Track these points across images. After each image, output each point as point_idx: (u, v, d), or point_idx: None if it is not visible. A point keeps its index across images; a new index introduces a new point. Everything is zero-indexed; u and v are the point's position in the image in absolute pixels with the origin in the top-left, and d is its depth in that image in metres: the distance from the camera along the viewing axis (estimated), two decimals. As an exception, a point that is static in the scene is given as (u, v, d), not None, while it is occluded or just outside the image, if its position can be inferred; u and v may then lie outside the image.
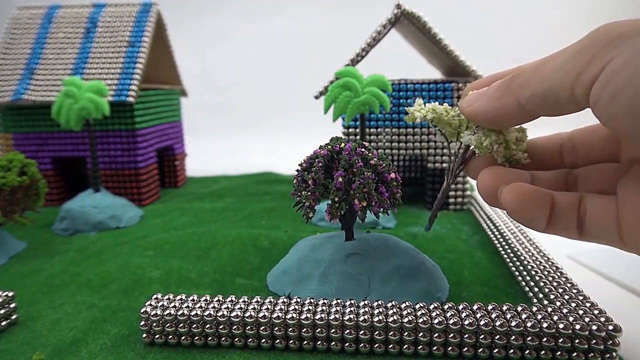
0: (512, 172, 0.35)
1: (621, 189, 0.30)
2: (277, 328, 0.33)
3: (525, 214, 0.32)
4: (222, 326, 0.34)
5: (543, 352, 0.31)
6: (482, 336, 0.32)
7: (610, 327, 0.31)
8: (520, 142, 0.36)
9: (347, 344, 0.33)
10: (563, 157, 0.37)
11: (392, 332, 0.33)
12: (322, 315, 0.33)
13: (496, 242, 0.54)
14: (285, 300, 0.35)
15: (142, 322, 0.35)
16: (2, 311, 0.37)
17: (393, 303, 0.34)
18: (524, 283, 0.42)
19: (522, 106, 0.29)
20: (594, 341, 0.31)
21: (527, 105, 0.29)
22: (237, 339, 0.34)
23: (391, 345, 0.33)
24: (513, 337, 0.32)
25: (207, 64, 1.73)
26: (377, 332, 0.33)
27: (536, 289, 0.39)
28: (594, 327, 0.31)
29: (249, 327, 0.34)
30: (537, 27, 1.57)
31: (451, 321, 0.32)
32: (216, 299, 0.36)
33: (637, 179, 0.28)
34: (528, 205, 0.31)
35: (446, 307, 0.34)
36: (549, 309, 0.33)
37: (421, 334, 0.32)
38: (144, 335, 0.35)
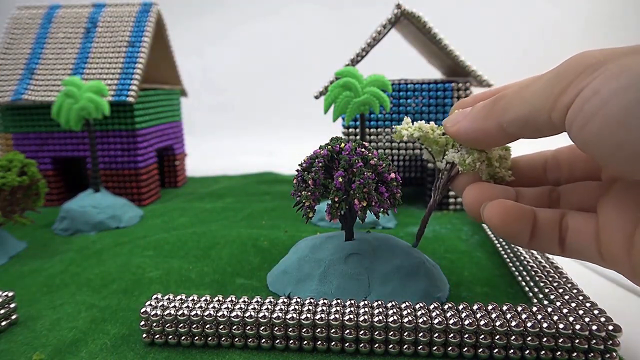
0: (497, 189, 0.36)
1: (601, 206, 0.30)
2: (277, 328, 0.33)
3: (507, 230, 0.33)
4: (222, 326, 0.34)
5: (543, 352, 0.31)
6: (482, 336, 0.32)
7: (610, 327, 0.31)
8: (503, 160, 0.37)
9: (347, 344, 0.33)
10: (547, 174, 0.38)
11: (392, 332, 0.33)
12: (322, 315, 0.33)
13: (496, 242, 0.54)
14: (285, 300, 0.35)
15: (142, 322, 0.35)
16: (2, 311, 0.37)
17: (393, 303, 0.34)
18: (524, 283, 0.42)
19: (503, 129, 0.30)
20: (594, 341, 0.31)
21: (508, 127, 0.29)
22: (237, 339, 0.34)
23: (391, 345, 0.33)
24: (513, 337, 0.32)
25: (207, 64, 1.73)
26: (377, 332, 0.33)
27: (536, 289, 0.39)
28: (594, 327, 0.31)
29: (249, 327, 0.34)
30: (536, 27, 1.57)
31: (451, 321, 0.32)
32: (216, 299, 0.36)
33: (616, 198, 0.29)
34: (510, 222, 0.32)
35: (446, 307, 0.34)
36: (549, 309, 0.33)
37: (421, 334, 0.32)
38: (144, 335, 0.35)
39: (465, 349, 0.32)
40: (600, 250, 0.30)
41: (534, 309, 0.33)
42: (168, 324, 0.34)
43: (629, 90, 0.22)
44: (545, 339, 0.31)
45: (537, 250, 0.37)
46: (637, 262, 0.27)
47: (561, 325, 0.31)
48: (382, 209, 0.37)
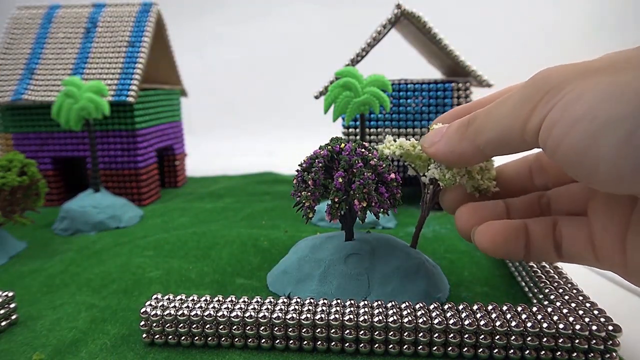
0: (486, 208, 0.36)
1: (591, 210, 0.30)
2: (277, 328, 0.33)
3: (500, 253, 0.33)
4: (222, 326, 0.34)
5: (543, 352, 0.31)
6: (482, 336, 0.32)
7: (610, 327, 0.31)
8: (485, 171, 0.37)
9: (347, 344, 0.33)
10: (534, 179, 0.38)
11: (392, 332, 0.33)
12: (322, 316, 0.33)
13: (496, 242, 0.54)
14: (285, 300, 0.35)
15: (142, 322, 0.35)
16: (2, 311, 0.37)
17: (393, 303, 0.34)
18: (523, 283, 0.42)
19: (480, 150, 0.31)
20: (594, 341, 0.31)
21: (485, 149, 0.30)
22: (237, 339, 0.34)
23: (391, 346, 0.33)
24: (513, 337, 0.32)
25: (207, 64, 1.73)
26: (377, 332, 0.33)
27: (536, 289, 0.39)
28: (594, 327, 0.31)
29: (249, 327, 0.34)
30: (537, 26, 1.57)
31: (451, 321, 0.32)
32: (216, 299, 0.36)
33: (604, 201, 0.29)
34: (500, 245, 0.33)
35: (446, 307, 0.34)
36: (549, 309, 0.33)
37: (421, 334, 0.32)
38: (144, 335, 0.35)
39: (465, 349, 0.32)
40: (597, 255, 0.30)
41: (534, 309, 0.33)
42: (168, 324, 0.34)
43: (584, 121, 0.23)
44: (545, 339, 0.31)
45: (536, 261, 0.37)
46: (631, 265, 0.27)
47: (561, 326, 0.31)
48: (382, 210, 0.37)
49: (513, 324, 0.32)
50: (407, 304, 0.34)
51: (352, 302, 0.35)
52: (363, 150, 0.39)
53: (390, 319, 0.32)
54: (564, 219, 0.33)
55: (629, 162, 0.22)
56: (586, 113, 0.23)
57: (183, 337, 0.34)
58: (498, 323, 0.32)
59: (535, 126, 0.26)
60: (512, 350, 0.32)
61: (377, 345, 0.33)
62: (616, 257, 0.28)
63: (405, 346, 0.33)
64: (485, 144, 0.30)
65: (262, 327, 0.33)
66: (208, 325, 0.34)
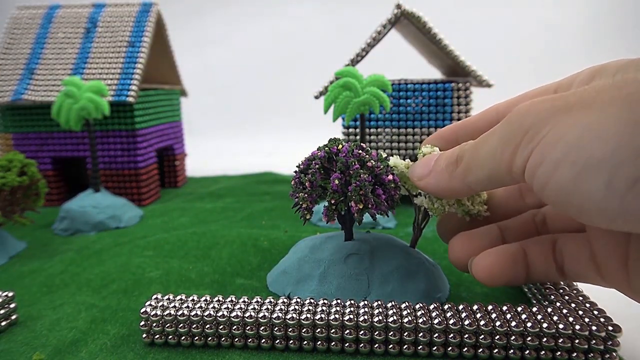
0: (480, 234, 0.36)
1: (589, 230, 0.30)
2: (277, 328, 0.33)
3: (499, 284, 0.33)
4: (222, 326, 0.34)
5: (543, 352, 0.31)
6: (482, 336, 0.32)
7: (610, 327, 0.31)
8: (476, 196, 0.37)
9: (347, 344, 0.33)
10: (524, 198, 0.38)
11: (392, 333, 0.33)
12: (322, 316, 0.33)
13: (496, 242, 0.54)
14: (285, 300, 0.35)
15: (142, 322, 0.35)
16: (2, 311, 0.37)
17: (393, 303, 0.34)
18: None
19: (470, 188, 0.31)
20: (594, 341, 0.31)
21: (475, 187, 0.31)
22: (237, 339, 0.34)
23: (391, 346, 0.33)
24: (513, 337, 0.32)
25: (207, 64, 1.73)
26: (377, 332, 0.33)
27: (535, 290, 0.39)
28: (594, 327, 0.31)
29: (248, 327, 0.34)
30: (536, 26, 1.57)
31: (451, 321, 0.32)
32: (216, 299, 0.36)
33: None
34: (498, 276, 0.33)
35: (446, 307, 0.34)
36: (549, 309, 0.33)
37: (421, 334, 0.32)
38: (144, 335, 0.35)
39: (465, 349, 0.32)
40: (601, 273, 0.30)
41: (534, 309, 0.33)
42: (168, 324, 0.34)
43: (565, 165, 0.23)
44: (545, 339, 0.31)
45: (539, 282, 0.37)
46: (635, 284, 0.27)
47: (561, 326, 0.31)
48: (379, 211, 0.37)
49: (513, 324, 0.32)
50: (407, 304, 0.34)
51: (352, 302, 0.35)
52: (360, 151, 0.38)
53: (390, 319, 0.32)
54: (564, 237, 0.32)
55: (614, 204, 0.22)
56: (565, 156, 0.23)
57: (183, 337, 0.34)
58: (498, 323, 0.32)
59: (520, 168, 0.26)
60: (512, 350, 0.32)
61: (377, 345, 0.33)
62: (619, 276, 0.28)
63: (405, 346, 0.33)
64: (475, 183, 0.30)
65: (262, 327, 0.33)
66: (208, 326, 0.34)
